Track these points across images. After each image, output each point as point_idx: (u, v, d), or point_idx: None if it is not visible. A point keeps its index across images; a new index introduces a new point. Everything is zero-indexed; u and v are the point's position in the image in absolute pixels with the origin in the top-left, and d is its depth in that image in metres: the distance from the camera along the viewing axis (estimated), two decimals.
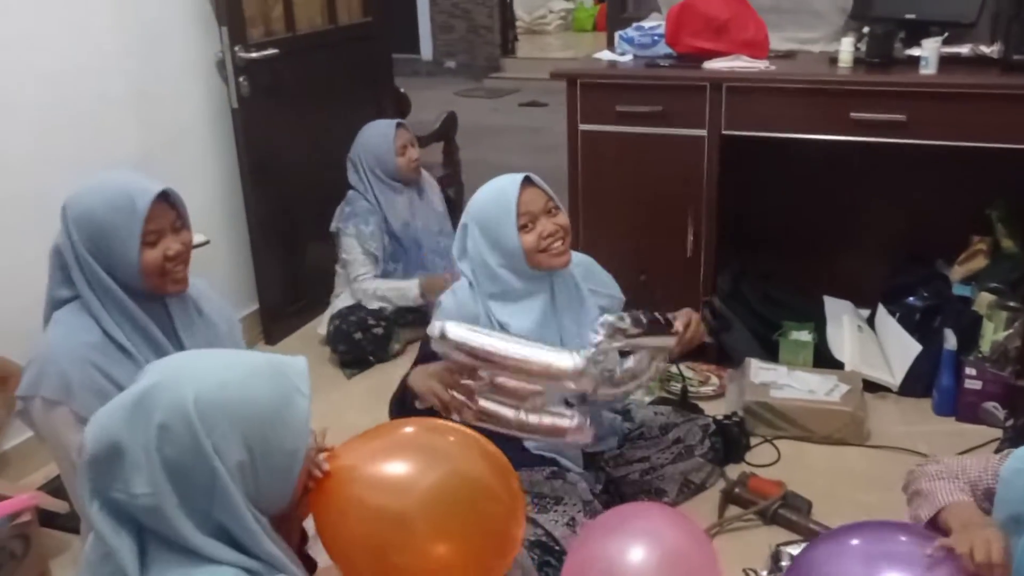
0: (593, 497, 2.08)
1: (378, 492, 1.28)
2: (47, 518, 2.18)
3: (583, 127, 2.89)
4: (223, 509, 1.05)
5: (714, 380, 2.86)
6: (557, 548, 1.91)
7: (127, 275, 1.69)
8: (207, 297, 1.91)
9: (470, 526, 1.33)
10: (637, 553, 1.53)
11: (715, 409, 2.62)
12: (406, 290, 3.08)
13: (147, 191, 1.67)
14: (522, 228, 1.97)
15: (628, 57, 3.04)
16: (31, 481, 2.37)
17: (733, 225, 3.01)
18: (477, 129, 6.20)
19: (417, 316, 3.12)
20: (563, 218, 2.04)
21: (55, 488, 2.22)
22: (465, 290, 2.05)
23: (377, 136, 3.14)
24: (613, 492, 2.17)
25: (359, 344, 3.04)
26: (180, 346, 1.75)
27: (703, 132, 2.77)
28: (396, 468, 1.32)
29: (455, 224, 3.55)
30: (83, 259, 1.68)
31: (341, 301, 3.16)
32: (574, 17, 10.32)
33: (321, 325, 3.21)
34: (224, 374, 1.09)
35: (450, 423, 1.52)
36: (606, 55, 3.09)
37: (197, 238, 2.89)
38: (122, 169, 2.07)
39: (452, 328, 1.75)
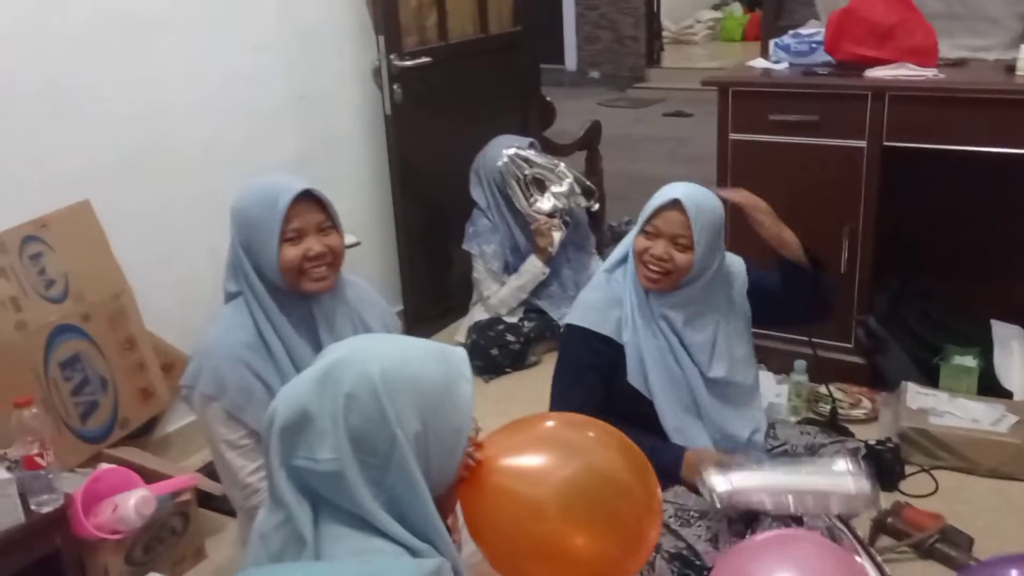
0: (740, 517, 2.01)
1: (517, 481, 1.34)
2: (204, 499, 2.30)
3: (734, 136, 2.82)
4: (399, 477, 1.10)
5: (866, 403, 2.72)
6: (698, 563, 1.86)
7: (270, 271, 1.74)
8: (365, 299, 1.94)
9: (602, 519, 1.35)
10: None
11: (866, 433, 2.48)
12: (529, 270, 3.09)
13: (290, 189, 1.71)
14: (643, 232, 1.97)
15: (783, 65, 2.94)
16: (191, 463, 2.51)
17: (892, 241, 2.86)
18: (620, 139, 6.17)
19: (554, 330, 3.13)
20: (686, 261, 1.97)
21: (212, 471, 2.34)
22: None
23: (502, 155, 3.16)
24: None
25: (495, 359, 3.06)
26: (318, 347, 1.74)
27: (862, 143, 2.65)
28: (535, 459, 1.39)
29: (598, 237, 3.57)
30: (238, 255, 1.76)
31: (478, 312, 3.20)
32: (722, 27, 10.12)
33: (459, 332, 3.26)
34: (404, 352, 1.16)
35: (591, 418, 1.54)
36: (760, 63, 3.01)
37: (348, 239, 3.02)
38: (279, 171, 2.17)
39: (721, 486, 1.77)
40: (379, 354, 1.14)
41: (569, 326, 2.08)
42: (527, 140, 3.20)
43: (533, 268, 3.10)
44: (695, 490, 1.89)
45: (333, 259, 1.78)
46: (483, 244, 3.15)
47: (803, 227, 2.75)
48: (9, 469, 1.85)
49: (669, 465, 1.96)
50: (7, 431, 1.91)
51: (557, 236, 3.15)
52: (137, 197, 2.48)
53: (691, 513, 1.94)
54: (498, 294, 3.13)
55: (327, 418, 1.09)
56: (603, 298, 2.06)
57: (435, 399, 1.14)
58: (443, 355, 1.19)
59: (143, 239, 2.47)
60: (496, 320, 3.12)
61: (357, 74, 3.14)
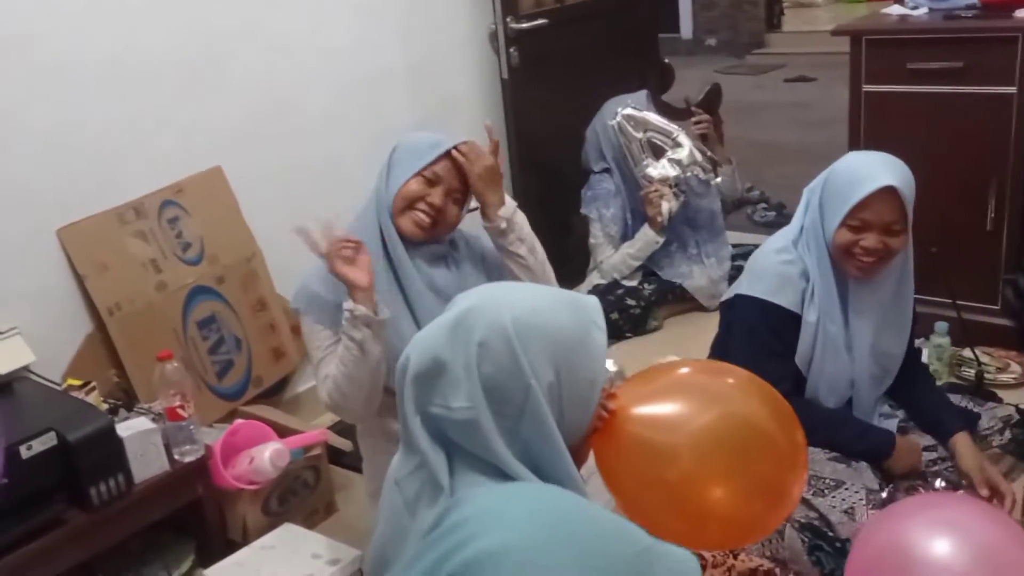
0: (879, 488, 1.91)
1: (652, 429, 1.30)
2: (334, 455, 2.37)
3: (867, 88, 2.68)
4: (532, 427, 1.07)
5: (1015, 368, 2.55)
6: (830, 534, 1.78)
7: (386, 198, 1.81)
8: (483, 258, 1.96)
9: (740, 469, 1.29)
10: (942, 546, 1.39)
11: (1017, 399, 2.32)
12: (641, 238, 3.02)
13: (446, 140, 1.83)
14: (846, 225, 1.81)
15: (922, 10, 2.76)
16: (320, 422, 2.57)
17: None
18: (739, 106, 5.96)
19: (676, 293, 3.06)
20: (898, 244, 1.84)
21: (341, 428, 2.40)
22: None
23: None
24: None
25: (616, 324, 3.00)
26: (403, 293, 1.82)
27: (1012, 89, 2.47)
28: (670, 407, 1.34)
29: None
30: (377, 184, 1.83)
31: (596, 278, 3.16)
32: None
33: None
34: (535, 300, 1.13)
35: (732, 366, 1.48)
36: (896, 9, 2.84)
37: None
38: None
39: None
40: (511, 302, 1.12)
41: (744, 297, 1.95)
42: (643, 93, 3.12)
43: (646, 236, 3.03)
44: (901, 477, 1.84)
45: (441, 220, 1.83)
46: (602, 208, 3.09)
47: (946, 183, 2.62)
48: (154, 421, 1.94)
49: (878, 446, 1.88)
50: (152, 386, 2.01)
51: (666, 207, 3.01)
52: (264, 163, 2.55)
53: (826, 482, 1.86)
54: (610, 259, 3.08)
55: (460, 367, 1.08)
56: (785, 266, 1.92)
57: (568, 348, 1.11)
58: (575, 304, 1.16)
59: (270, 204, 2.53)
60: (615, 284, 3.08)
61: (473, 38, 3.13)
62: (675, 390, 1.39)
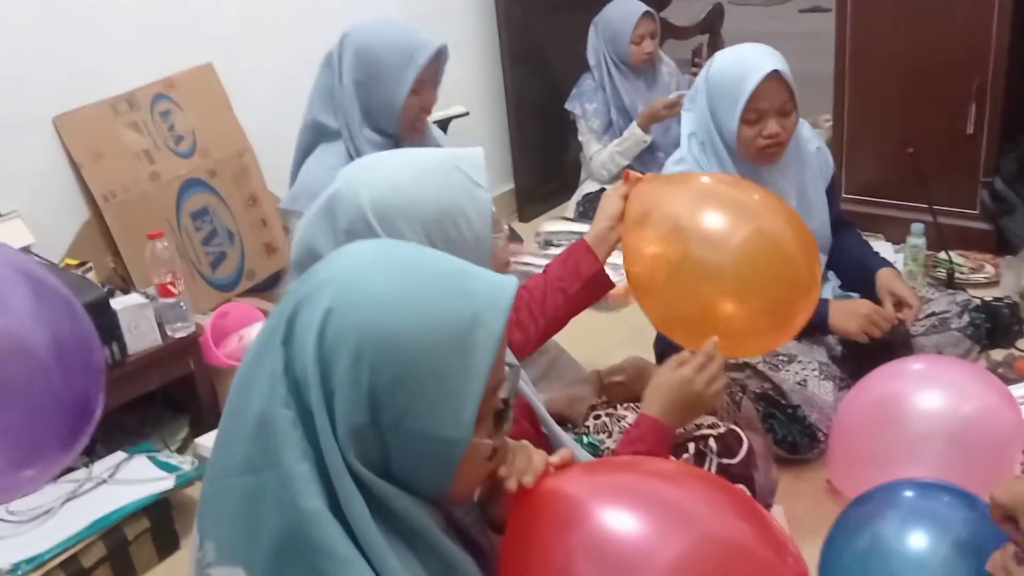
0: (831, 361, 1.99)
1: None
2: None
3: None
4: None
5: (989, 269, 2.60)
6: (782, 402, 1.87)
7: (381, 115, 1.86)
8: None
9: (763, 290, 1.34)
10: (932, 399, 1.51)
11: (986, 295, 2.38)
12: (631, 135, 3.06)
13: (429, 44, 1.84)
14: (744, 121, 1.82)
15: None
16: None
17: (1022, 99, 2.67)
18: (750, 36, 5.85)
19: None
20: (792, 124, 1.85)
21: None
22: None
23: (619, 19, 3.10)
24: (857, 359, 2.06)
25: None
26: None
27: None
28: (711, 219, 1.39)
29: None
30: (347, 90, 1.85)
31: (589, 186, 3.22)
32: None
33: (568, 209, 3.29)
34: (398, 176, 1.07)
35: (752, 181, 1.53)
36: None
37: (455, 109, 3.11)
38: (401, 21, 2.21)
39: None
40: (372, 183, 1.06)
41: None
42: (642, 9, 3.13)
43: (634, 135, 3.07)
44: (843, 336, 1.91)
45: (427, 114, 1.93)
46: (585, 103, 3.14)
47: (926, 86, 2.64)
48: (147, 299, 2.05)
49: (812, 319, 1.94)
50: (144, 265, 2.11)
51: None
52: (255, 61, 2.60)
53: (780, 357, 1.94)
54: (598, 155, 3.13)
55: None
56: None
57: (438, 219, 1.05)
58: (451, 165, 1.09)
59: (261, 102, 2.60)
60: (603, 191, 3.14)
61: None
62: (708, 201, 1.42)
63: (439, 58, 1.88)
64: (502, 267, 1.21)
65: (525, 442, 0.92)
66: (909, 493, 1.26)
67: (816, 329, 1.90)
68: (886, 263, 2.03)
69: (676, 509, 0.86)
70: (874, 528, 1.23)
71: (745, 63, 1.82)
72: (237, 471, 0.79)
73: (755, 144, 1.84)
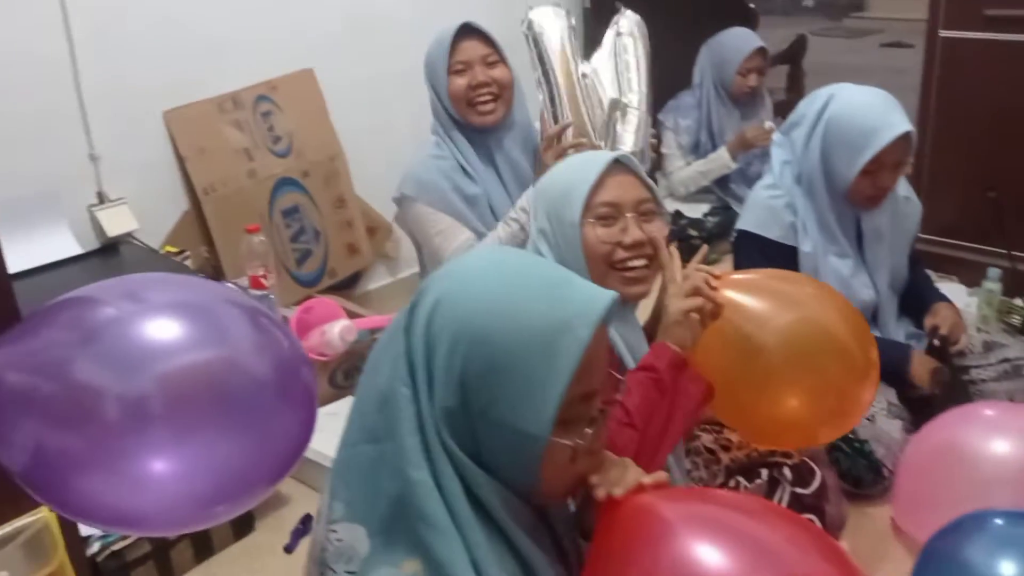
0: (899, 402, 2.00)
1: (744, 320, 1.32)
2: None
3: (943, 34, 2.69)
4: None
5: None
6: (850, 435, 1.87)
7: (447, 104, 1.94)
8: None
9: (818, 372, 1.31)
10: (1003, 445, 1.53)
11: None
12: (718, 158, 3.08)
13: (452, 25, 1.91)
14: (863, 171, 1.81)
15: None
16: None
17: None
18: (829, 68, 5.85)
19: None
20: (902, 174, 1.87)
21: None
22: None
23: (732, 48, 3.12)
24: (921, 405, 2.07)
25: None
26: (497, 171, 1.98)
27: None
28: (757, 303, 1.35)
29: None
30: (431, 94, 1.97)
31: (663, 194, 3.25)
32: None
33: None
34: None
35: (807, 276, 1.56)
36: None
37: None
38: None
39: None
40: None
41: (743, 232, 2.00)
42: (757, 44, 3.14)
43: (720, 157, 3.10)
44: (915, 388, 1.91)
45: (499, 91, 1.92)
46: (680, 118, 3.17)
47: (1013, 129, 2.62)
48: (239, 288, 2.15)
49: (894, 360, 1.90)
50: (238, 260, 2.22)
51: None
52: (354, 70, 2.71)
53: None
54: (680, 172, 3.16)
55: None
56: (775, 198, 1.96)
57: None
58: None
59: (356, 110, 2.70)
60: (678, 215, 3.17)
61: None
62: (758, 289, 1.39)
63: (483, 37, 1.94)
64: None
65: (627, 460, 0.96)
66: (998, 521, 1.27)
67: (892, 375, 1.91)
68: (944, 298, 2.05)
69: (766, 549, 0.85)
70: (965, 556, 1.24)
71: (877, 117, 1.80)
72: (363, 440, 0.89)
73: (866, 193, 1.87)
